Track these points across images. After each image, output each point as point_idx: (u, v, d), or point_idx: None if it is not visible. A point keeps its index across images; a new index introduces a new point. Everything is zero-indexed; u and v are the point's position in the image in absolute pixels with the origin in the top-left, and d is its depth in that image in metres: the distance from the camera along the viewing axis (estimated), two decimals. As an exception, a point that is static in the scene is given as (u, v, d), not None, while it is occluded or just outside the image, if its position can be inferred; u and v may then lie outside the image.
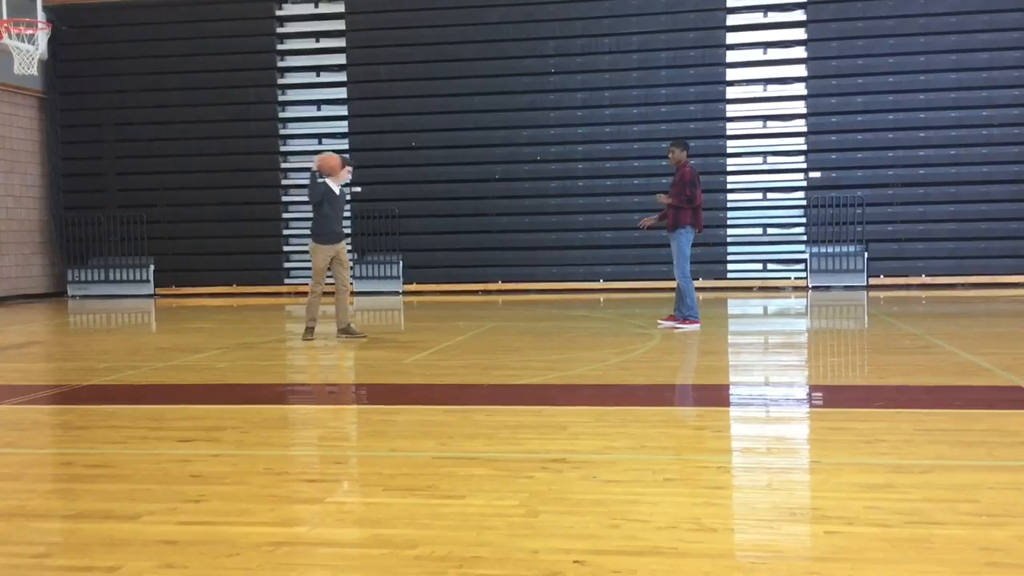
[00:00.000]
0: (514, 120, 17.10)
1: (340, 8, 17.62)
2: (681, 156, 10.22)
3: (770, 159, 16.84)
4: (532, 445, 4.73)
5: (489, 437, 4.92)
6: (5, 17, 10.44)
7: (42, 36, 10.81)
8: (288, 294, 17.63)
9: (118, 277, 17.91)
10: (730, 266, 16.99)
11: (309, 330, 9.85)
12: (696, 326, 10.07)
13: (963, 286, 15.92)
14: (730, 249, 16.98)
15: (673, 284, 10.48)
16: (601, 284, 16.83)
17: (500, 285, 16.96)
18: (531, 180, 17.11)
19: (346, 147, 17.68)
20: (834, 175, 16.55)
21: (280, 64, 17.94)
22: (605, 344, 9.11)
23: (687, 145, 10.38)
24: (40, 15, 10.94)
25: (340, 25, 17.66)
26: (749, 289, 16.51)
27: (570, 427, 5.15)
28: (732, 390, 6.65)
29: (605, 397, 6.25)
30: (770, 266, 17.00)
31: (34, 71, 10.96)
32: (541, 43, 16.98)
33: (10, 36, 10.46)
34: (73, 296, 17.88)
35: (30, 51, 10.74)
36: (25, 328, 12.45)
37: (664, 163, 16.93)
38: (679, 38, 16.69)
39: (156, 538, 3.34)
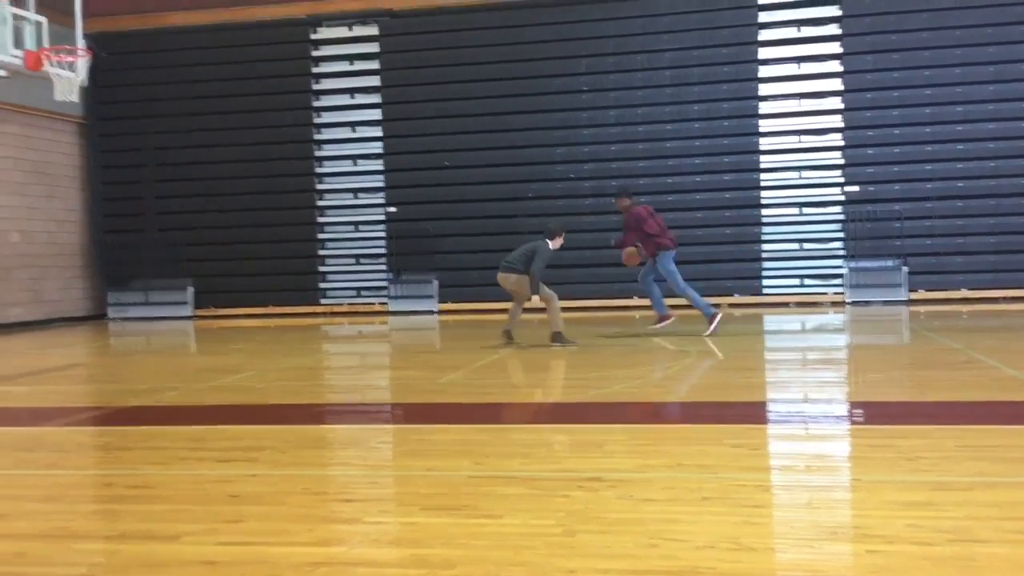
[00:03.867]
0: (547, 138, 17.15)
1: (374, 31, 17.80)
2: (627, 202, 11.54)
3: (806, 174, 16.73)
4: (568, 464, 4.71)
5: (525, 456, 4.91)
6: (47, 45, 10.65)
7: (82, 63, 11.01)
8: (323, 314, 17.74)
9: (157, 299, 18.14)
10: (766, 281, 16.88)
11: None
12: (719, 313, 11.35)
13: (1005, 300, 15.67)
14: (766, 264, 16.87)
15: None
16: (636, 301, 16.77)
17: (535, 303, 16.91)
18: (565, 198, 17.13)
19: (380, 168, 17.83)
20: (872, 189, 16.40)
21: (315, 87, 18.13)
22: (640, 361, 9.07)
23: (630, 192, 11.90)
24: (80, 42, 11.14)
25: (374, 48, 17.84)
26: (785, 305, 16.38)
27: (606, 445, 5.13)
28: (770, 407, 6.60)
29: (641, 415, 6.22)
30: (807, 281, 16.86)
31: (75, 98, 11.15)
32: (574, 61, 17.03)
33: (51, 63, 10.66)
34: (113, 318, 18.13)
35: (71, 78, 10.93)
36: (67, 351, 12.64)
37: (698, 179, 16.98)
38: (712, 54, 16.67)
39: (196, 559, 3.37)
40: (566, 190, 17.12)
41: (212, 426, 6.38)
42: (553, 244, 10.48)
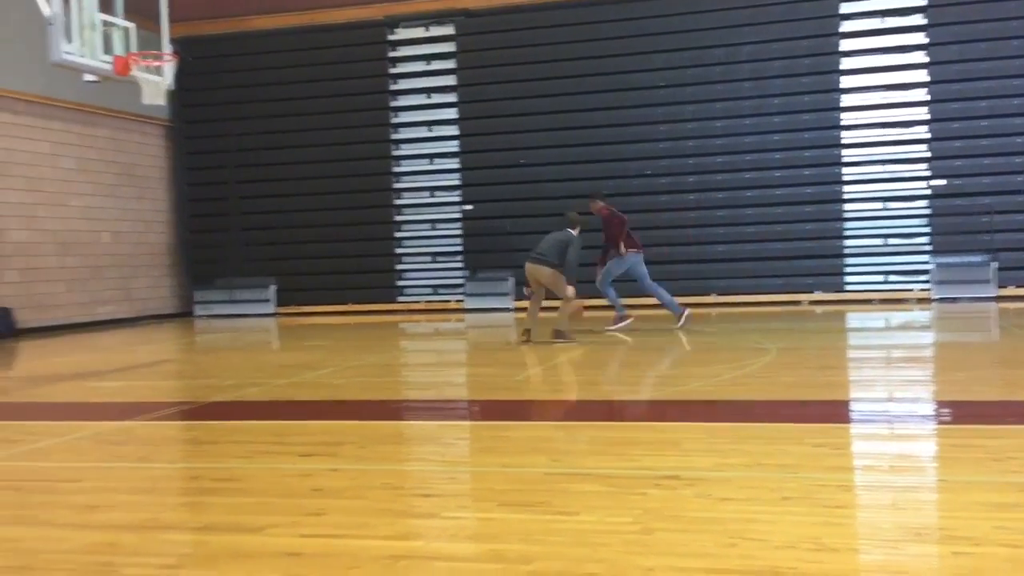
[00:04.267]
0: (623, 135, 17.05)
1: (450, 31, 17.93)
2: (598, 205, 12.00)
3: (890, 167, 16.33)
4: (645, 461, 4.70)
5: (601, 453, 4.91)
6: (134, 50, 10.96)
7: (168, 67, 11.30)
8: (401, 312, 17.94)
9: (241, 297, 18.56)
10: (848, 278, 16.53)
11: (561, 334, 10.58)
12: (630, 318, 11.98)
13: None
14: (848, 260, 16.52)
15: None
16: (713, 298, 16.59)
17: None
18: (640, 195, 17.01)
19: (457, 166, 17.95)
20: (959, 182, 15.93)
21: (392, 87, 18.34)
22: (718, 359, 8.98)
23: (601, 195, 12.38)
24: (167, 47, 11.45)
25: (450, 47, 17.97)
26: (869, 301, 16.01)
27: (683, 443, 5.10)
28: (853, 406, 6.47)
29: (719, 413, 6.16)
30: (891, 277, 16.46)
31: (162, 101, 11.45)
32: (650, 56, 16.91)
33: (139, 68, 10.96)
34: (199, 316, 18.61)
35: (158, 82, 11.23)
36: (155, 347, 13.02)
37: (778, 174, 16.69)
38: (792, 47, 16.38)
39: (280, 550, 3.45)
40: (642, 187, 17.00)
41: (294, 421, 6.51)
42: (576, 233, 10.59)
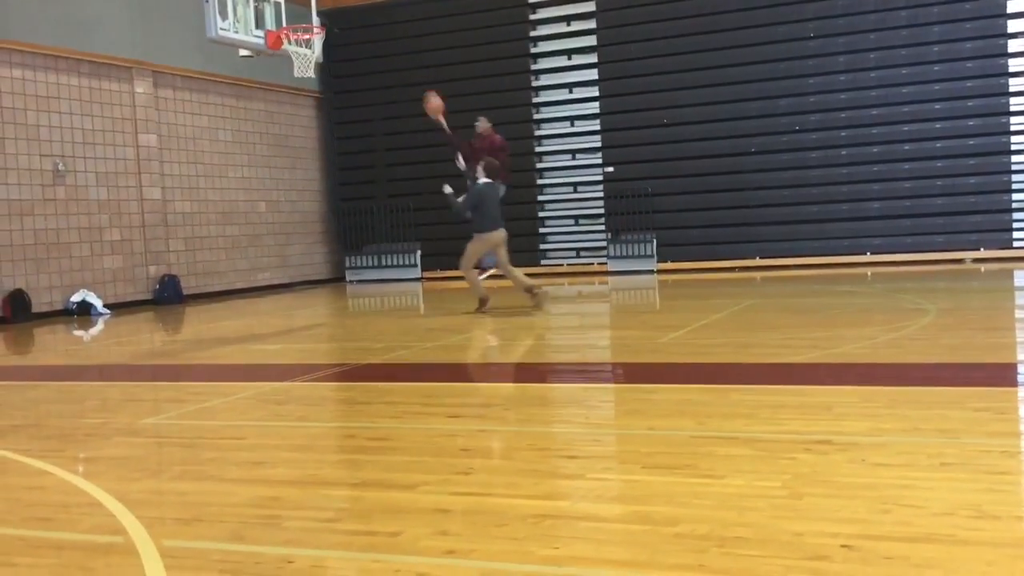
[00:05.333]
0: (770, 90, 16.52)
1: (591, -10, 17.74)
2: (488, 126, 12.25)
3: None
4: (794, 425, 4.60)
5: (749, 417, 4.83)
6: (284, 24, 11.33)
7: (317, 40, 11.65)
8: (544, 275, 18.04)
9: (389, 263, 19.06)
10: (1017, 234, 15.57)
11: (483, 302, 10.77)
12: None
13: None
14: (1017, 216, 15.55)
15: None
16: (868, 257, 15.98)
17: (758, 261, 16.51)
18: (790, 151, 16.49)
19: (597, 128, 17.82)
20: None
21: (532, 50, 18.33)
22: (873, 321, 8.66)
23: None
24: (315, 20, 11.78)
25: (591, 7, 17.78)
26: (1038, 259, 15.08)
27: (835, 407, 4.96)
28: (1021, 369, 6.13)
29: (873, 376, 5.96)
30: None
31: (311, 73, 11.83)
32: (799, 7, 16.28)
33: (289, 42, 11.34)
34: (350, 281, 19.23)
35: (307, 55, 11.60)
36: (311, 312, 13.55)
37: (938, 126, 15.85)
38: (952, -10, 15.46)
39: (431, 507, 3.56)
40: (791, 143, 16.47)
41: (442, 383, 6.68)
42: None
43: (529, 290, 10.79)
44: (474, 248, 10.88)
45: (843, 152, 16.24)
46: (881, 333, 7.75)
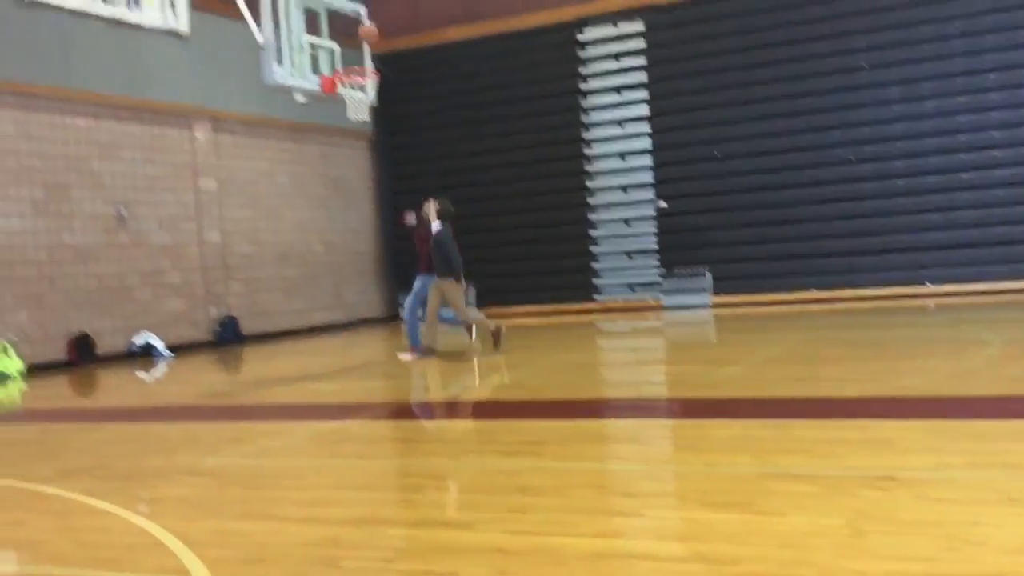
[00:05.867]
0: (823, 121, 16.40)
1: (639, 27, 17.83)
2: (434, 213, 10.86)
3: None
4: (855, 461, 4.52)
5: (809, 452, 4.76)
6: (339, 69, 11.56)
7: (371, 83, 11.86)
8: (598, 311, 18.00)
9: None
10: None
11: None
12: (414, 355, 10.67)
13: None
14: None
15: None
16: (928, 288, 15.69)
17: (815, 293, 16.31)
18: (844, 182, 16.32)
19: (649, 163, 17.82)
20: None
21: (582, 87, 18.44)
22: (935, 352, 8.49)
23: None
24: (368, 64, 12.01)
25: (639, 44, 17.86)
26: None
27: (897, 442, 4.87)
28: (1089, 401, 5.96)
29: (936, 410, 5.83)
30: None
31: (366, 116, 12.04)
32: (850, 38, 16.18)
33: (344, 86, 11.55)
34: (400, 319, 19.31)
35: (362, 98, 11.81)
36: (366, 350, 13.67)
37: (998, 154, 15.57)
38: (1008, 19, 15.25)
39: (489, 546, 3.56)
40: (846, 174, 16.29)
41: (497, 421, 6.68)
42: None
43: (424, 350, 10.67)
44: (455, 294, 10.60)
45: (899, 182, 16.02)
46: (943, 365, 7.60)
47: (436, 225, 10.60)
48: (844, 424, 5.58)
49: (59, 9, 13.25)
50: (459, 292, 10.63)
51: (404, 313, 11.23)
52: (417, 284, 11.15)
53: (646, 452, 5.35)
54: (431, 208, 10.77)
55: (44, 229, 13.24)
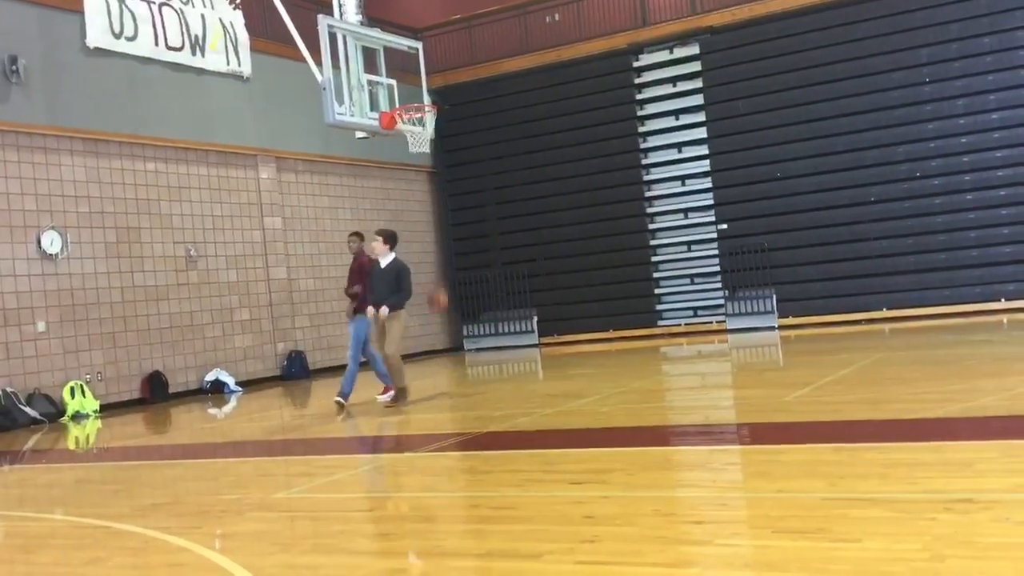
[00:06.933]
0: (887, 138, 16.15)
1: (695, 51, 17.79)
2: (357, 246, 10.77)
3: None
4: (932, 484, 4.40)
5: (883, 476, 4.65)
6: (398, 105, 11.73)
7: (429, 118, 12.00)
8: (661, 336, 17.87)
9: (506, 330, 19.21)
10: None
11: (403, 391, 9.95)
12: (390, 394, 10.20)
13: None
14: None
15: None
16: (1002, 304, 15.27)
17: (885, 313, 15.98)
18: (911, 199, 16.01)
19: (709, 186, 17.72)
20: None
21: (640, 113, 18.44)
22: (1012, 370, 8.25)
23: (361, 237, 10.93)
24: (427, 99, 12.17)
25: (696, 67, 17.82)
26: None
27: (976, 464, 4.73)
28: None
29: (1015, 430, 5.66)
30: None
31: (426, 149, 12.18)
32: (911, 53, 15.93)
33: (403, 122, 11.71)
34: (468, 349, 19.43)
35: (421, 133, 11.95)
36: (431, 381, 13.73)
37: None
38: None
39: (557, 576, 3.54)
40: (912, 191, 16.00)
41: (563, 449, 6.65)
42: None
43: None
44: (401, 329, 10.05)
45: (968, 196, 15.67)
46: (1021, 383, 7.38)
47: (390, 256, 10.11)
48: (918, 446, 5.45)
49: (126, 56, 13.77)
50: (403, 326, 10.03)
51: (350, 363, 10.60)
52: (352, 329, 10.70)
53: (715, 479, 5.28)
54: (375, 241, 10.25)
55: (117, 271, 13.59)
